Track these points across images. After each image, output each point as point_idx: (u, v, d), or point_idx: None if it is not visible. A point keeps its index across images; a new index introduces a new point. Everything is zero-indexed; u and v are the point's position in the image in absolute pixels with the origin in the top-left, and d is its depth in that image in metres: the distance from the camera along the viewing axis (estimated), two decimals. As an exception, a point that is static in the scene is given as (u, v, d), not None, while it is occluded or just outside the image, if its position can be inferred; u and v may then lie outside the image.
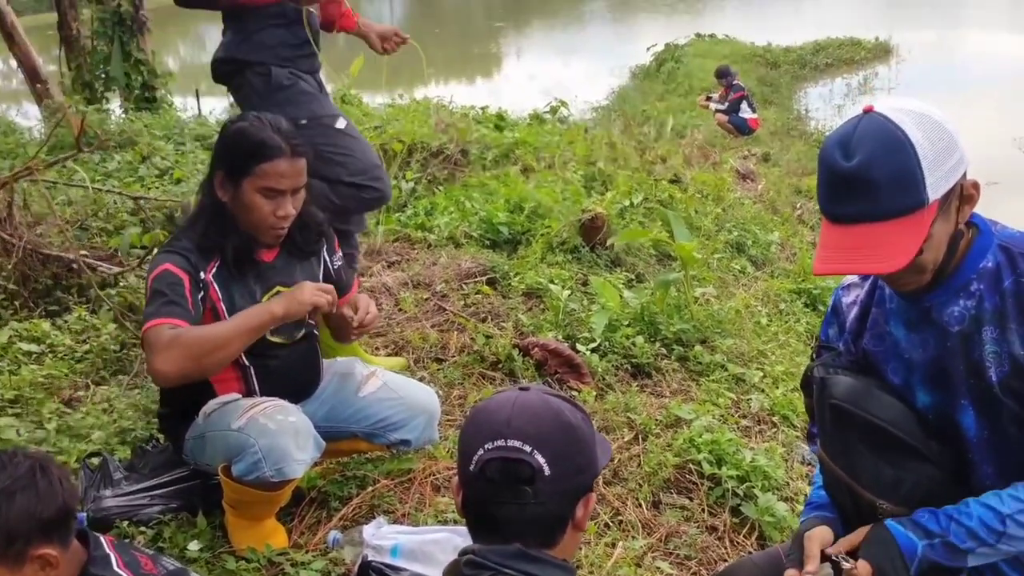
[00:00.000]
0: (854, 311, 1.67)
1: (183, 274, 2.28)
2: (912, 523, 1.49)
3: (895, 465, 1.53)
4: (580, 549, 2.48)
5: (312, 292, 2.30)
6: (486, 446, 1.25)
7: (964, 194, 1.45)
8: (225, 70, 3.11)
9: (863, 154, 1.36)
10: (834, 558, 1.53)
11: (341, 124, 3.15)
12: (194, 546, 2.32)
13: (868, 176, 1.36)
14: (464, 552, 1.26)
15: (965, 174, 1.43)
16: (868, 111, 1.42)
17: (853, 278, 1.72)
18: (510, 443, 1.23)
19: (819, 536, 1.62)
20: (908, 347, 1.57)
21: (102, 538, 1.66)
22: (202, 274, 2.32)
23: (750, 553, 2.66)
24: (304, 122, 2.95)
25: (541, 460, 1.22)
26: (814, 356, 1.72)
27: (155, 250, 4.06)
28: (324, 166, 2.96)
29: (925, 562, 1.48)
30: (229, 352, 2.28)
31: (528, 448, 1.22)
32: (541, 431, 1.24)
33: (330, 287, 2.36)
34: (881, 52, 18.61)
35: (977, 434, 1.52)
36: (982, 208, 1.53)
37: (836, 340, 1.70)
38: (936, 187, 1.37)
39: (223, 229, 2.36)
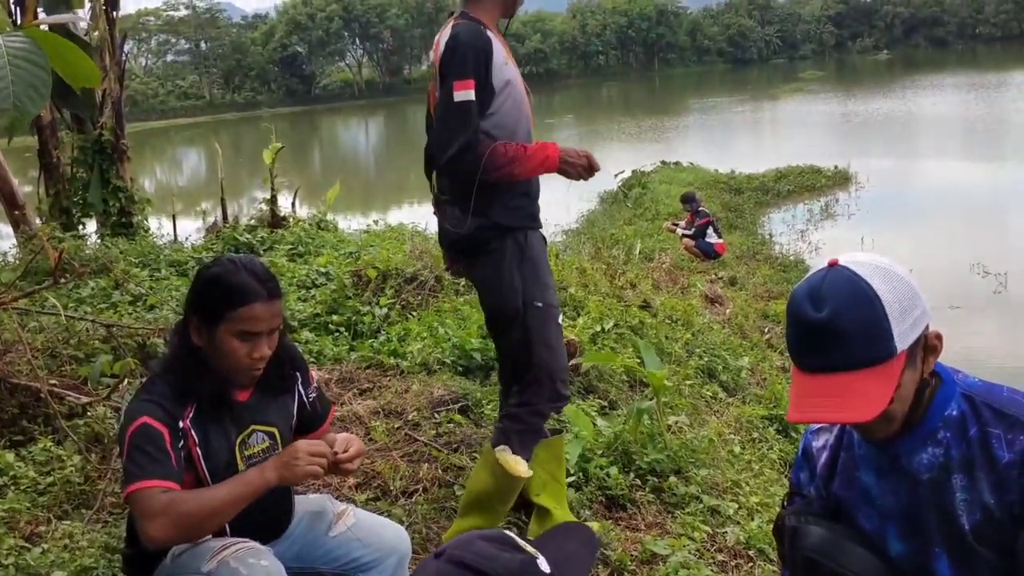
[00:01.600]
0: (824, 455, 1.70)
1: (162, 427, 2.25)
2: None
3: None
4: None
5: (308, 462, 2.26)
6: None
7: (928, 344, 1.50)
8: (483, 236, 3.06)
9: (832, 306, 1.42)
10: None
11: (559, 318, 3.22)
12: None
13: (838, 327, 1.41)
14: None
15: (928, 326, 1.49)
16: (833, 264, 1.49)
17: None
18: None
19: None
20: (879, 494, 1.59)
21: None
22: (180, 423, 2.30)
23: None
24: (539, 305, 3.04)
25: None
26: (785, 504, 1.73)
27: (126, 380, 4.05)
28: (528, 354, 3.04)
29: None
30: (222, 520, 2.26)
31: None
32: None
33: (324, 450, 2.32)
34: (841, 179, 19.32)
35: None
36: (948, 329, 1.59)
37: (807, 485, 1.72)
38: (903, 337, 1.42)
39: (199, 374, 2.35)
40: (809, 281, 1.49)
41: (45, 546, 2.95)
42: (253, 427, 2.45)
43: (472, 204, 3.01)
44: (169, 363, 2.38)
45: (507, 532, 1.28)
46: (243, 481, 2.26)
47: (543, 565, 1.23)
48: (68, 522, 3.20)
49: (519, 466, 3.11)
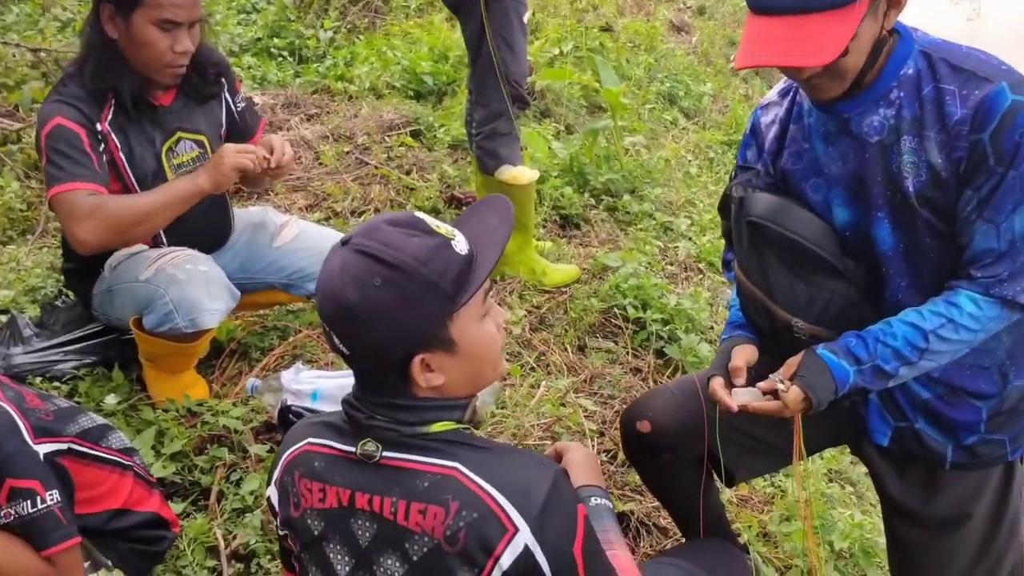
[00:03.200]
0: (773, 130, 1.63)
1: (79, 128, 2.12)
2: (844, 351, 1.48)
3: (810, 283, 1.53)
4: (504, 391, 2.50)
5: (234, 157, 2.16)
6: None
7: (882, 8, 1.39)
8: None
9: None
10: (773, 377, 1.53)
11: (527, 16, 2.95)
12: (111, 399, 2.28)
13: None
14: (347, 397, 1.23)
15: None
16: None
17: (772, 96, 1.68)
18: (322, 323, 1.19)
19: (745, 353, 1.62)
20: (827, 161, 1.54)
21: None
22: (98, 124, 2.17)
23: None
24: None
25: (336, 341, 1.16)
26: (732, 177, 1.69)
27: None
28: (488, 54, 2.84)
29: (853, 389, 1.49)
30: (154, 226, 2.19)
31: (327, 328, 1.17)
32: (328, 313, 1.15)
33: (250, 146, 2.22)
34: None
35: (892, 247, 1.51)
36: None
37: (755, 161, 1.67)
38: None
39: (115, 69, 2.18)
40: None
41: (-10, 268, 2.91)
42: (180, 134, 2.32)
43: None
44: (81, 59, 2.21)
45: (418, 214, 1.20)
46: (174, 187, 2.17)
47: (459, 246, 1.16)
48: (12, 247, 3.14)
49: (525, 174, 3.07)
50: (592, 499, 1.34)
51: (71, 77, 2.20)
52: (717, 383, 1.58)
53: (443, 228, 1.18)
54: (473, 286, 1.16)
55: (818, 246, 1.52)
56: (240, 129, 2.47)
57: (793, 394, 1.48)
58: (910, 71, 1.45)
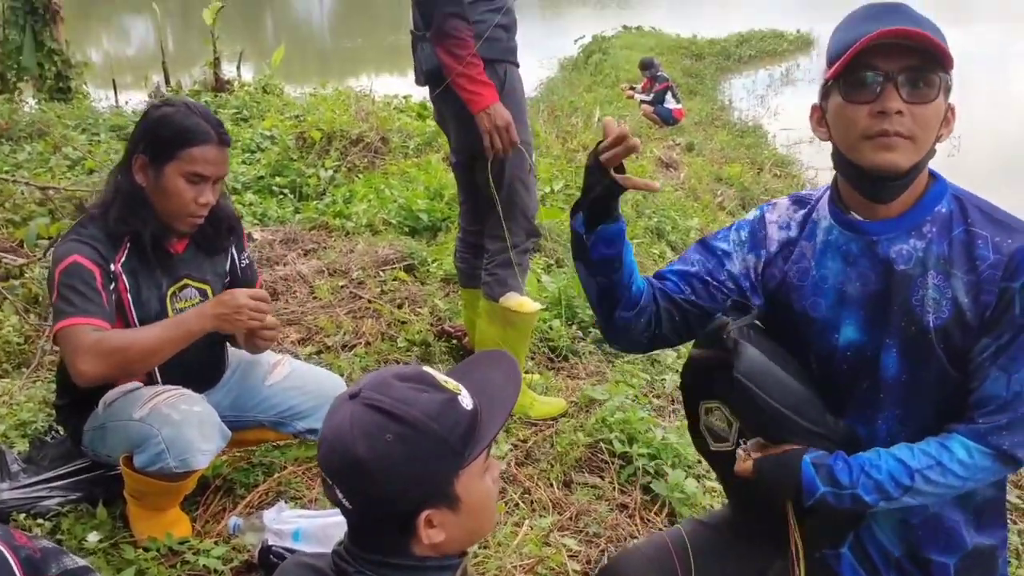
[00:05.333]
0: (780, 235, 1.65)
1: (94, 267, 2.20)
2: (826, 470, 1.48)
3: (789, 434, 1.54)
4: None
5: (250, 316, 2.22)
6: None
7: (947, 115, 1.49)
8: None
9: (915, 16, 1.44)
10: (742, 444, 1.56)
11: (532, 158, 3.13)
12: (93, 537, 2.27)
13: (917, 18, 1.44)
14: (337, 545, 1.24)
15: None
16: None
17: (783, 200, 1.70)
18: (322, 474, 1.19)
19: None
20: (843, 281, 1.56)
21: None
22: (112, 265, 2.26)
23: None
24: (517, 142, 2.94)
25: (339, 495, 1.16)
26: (728, 305, 1.67)
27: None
28: (507, 191, 3.00)
29: (823, 505, 1.48)
30: (155, 361, 2.25)
31: (330, 482, 1.17)
32: (332, 467, 1.16)
33: (265, 298, 2.27)
34: (803, 44, 19.08)
35: (895, 376, 1.52)
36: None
37: (732, 248, 1.68)
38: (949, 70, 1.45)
39: (139, 215, 2.28)
40: None
41: (-18, 402, 2.94)
42: (186, 280, 2.41)
43: None
44: (107, 203, 2.30)
45: (425, 369, 1.22)
46: (176, 322, 2.24)
47: (465, 401, 1.18)
48: (7, 380, 3.19)
49: (528, 305, 3.15)
50: None
51: (93, 219, 2.30)
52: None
53: (450, 383, 1.20)
54: (481, 443, 1.18)
55: (802, 417, 1.53)
56: (240, 284, 2.57)
57: (744, 465, 1.53)
58: (943, 209, 1.51)
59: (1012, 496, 3.33)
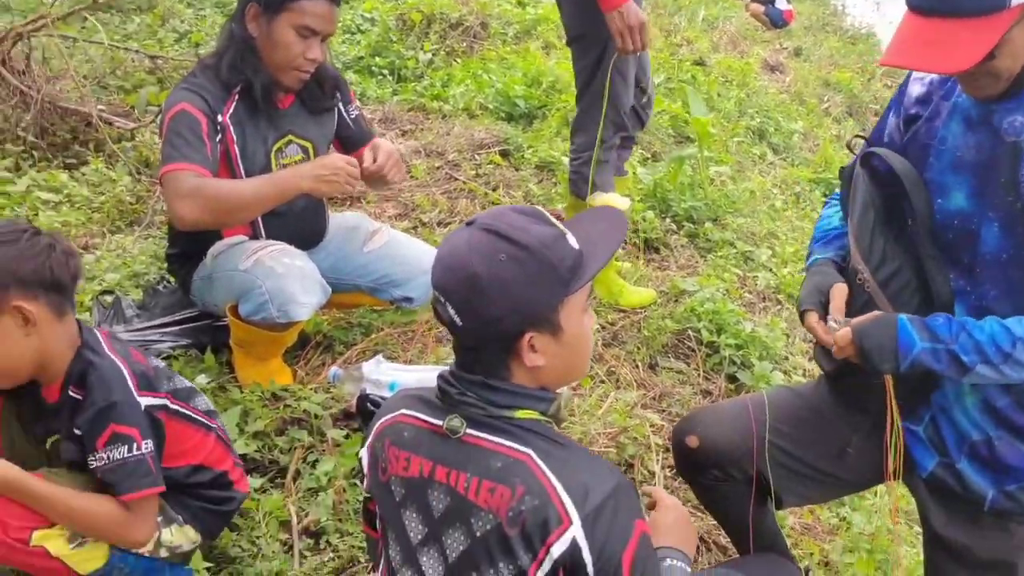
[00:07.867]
0: (919, 90, 1.64)
1: (201, 116, 2.26)
2: (922, 323, 1.47)
3: (889, 239, 1.55)
4: (573, 399, 2.55)
5: (346, 181, 2.27)
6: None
7: None
8: None
9: None
10: (830, 319, 1.56)
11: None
12: (202, 378, 2.40)
13: None
14: (442, 372, 1.29)
15: None
16: None
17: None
18: (435, 292, 1.24)
19: (843, 291, 1.61)
20: (962, 145, 1.53)
21: (95, 329, 1.74)
22: (219, 116, 2.32)
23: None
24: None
25: (451, 311, 1.21)
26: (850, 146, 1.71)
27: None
28: (602, 80, 2.93)
29: (919, 364, 1.46)
30: (248, 214, 2.32)
31: (442, 299, 1.22)
32: (447, 284, 1.21)
33: (356, 171, 2.31)
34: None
35: (994, 253, 1.49)
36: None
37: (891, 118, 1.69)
38: None
39: (251, 64, 2.33)
40: None
41: (99, 253, 3.10)
42: (291, 136, 2.46)
43: None
44: (221, 51, 2.36)
45: (538, 208, 1.27)
46: (274, 179, 2.29)
47: (572, 241, 1.24)
48: (120, 235, 3.35)
49: (617, 201, 3.12)
50: (668, 559, 1.34)
51: (205, 68, 2.36)
52: (813, 319, 1.59)
53: (559, 224, 1.26)
54: (586, 276, 1.24)
55: (922, 228, 1.54)
56: (353, 136, 2.61)
57: (843, 333, 1.51)
58: None
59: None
